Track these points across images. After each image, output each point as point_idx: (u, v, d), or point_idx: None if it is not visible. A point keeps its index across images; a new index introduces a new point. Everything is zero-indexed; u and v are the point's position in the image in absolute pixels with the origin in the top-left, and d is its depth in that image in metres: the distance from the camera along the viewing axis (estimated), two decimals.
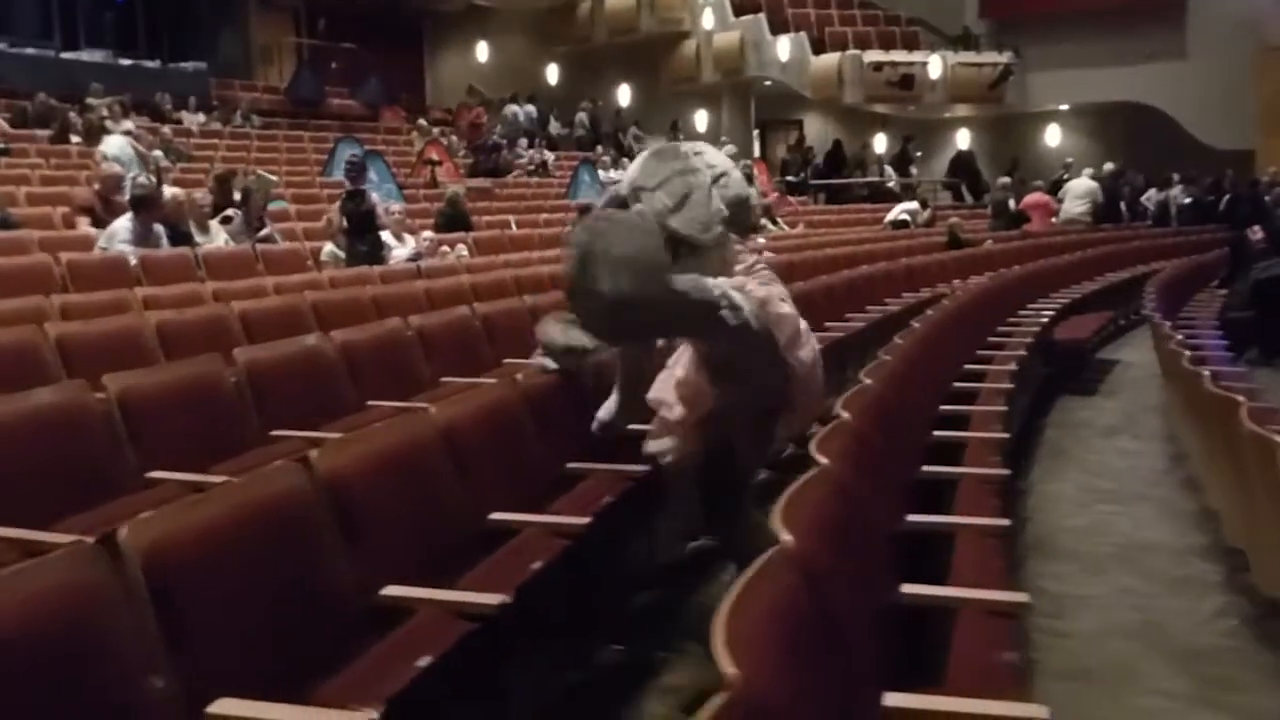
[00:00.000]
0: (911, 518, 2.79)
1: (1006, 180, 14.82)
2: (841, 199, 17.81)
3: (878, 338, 7.12)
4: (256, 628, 1.88)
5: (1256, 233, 9.81)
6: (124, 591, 1.67)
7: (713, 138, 19.19)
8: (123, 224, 7.03)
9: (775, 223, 13.60)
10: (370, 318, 5.72)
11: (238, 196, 9.12)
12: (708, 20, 19.28)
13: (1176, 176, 16.22)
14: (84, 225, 8.05)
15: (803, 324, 3.11)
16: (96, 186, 8.23)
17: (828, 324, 6.51)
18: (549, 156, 16.90)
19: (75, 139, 12.46)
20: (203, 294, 5.93)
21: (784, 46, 18.50)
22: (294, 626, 1.96)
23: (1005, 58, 18.12)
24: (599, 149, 17.24)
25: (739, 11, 19.22)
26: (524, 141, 17.61)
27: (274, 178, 10.72)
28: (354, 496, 2.23)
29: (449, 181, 13.41)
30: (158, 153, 11.90)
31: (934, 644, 2.26)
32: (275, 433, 3.46)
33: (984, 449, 3.55)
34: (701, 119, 20.27)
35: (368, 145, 14.29)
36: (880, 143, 20.33)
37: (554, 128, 18.98)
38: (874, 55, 18.28)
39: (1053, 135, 19.72)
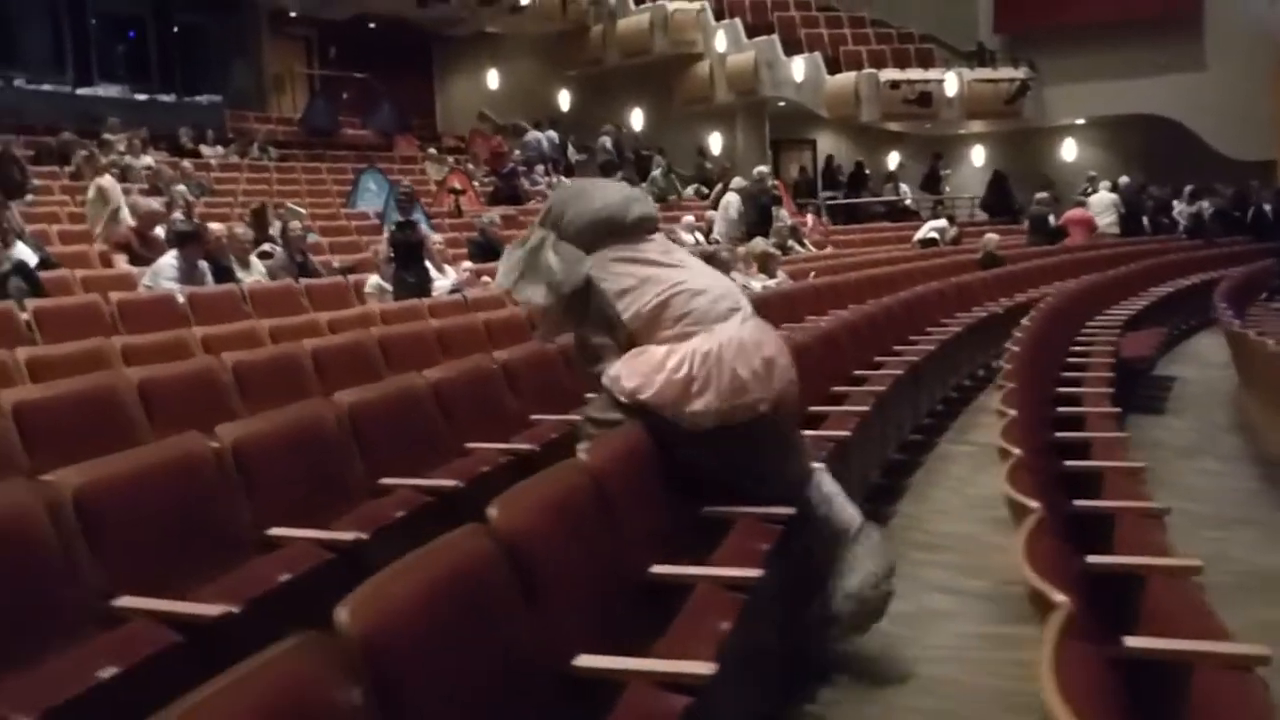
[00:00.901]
0: (1092, 559, 2.61)
1: (1044, 195, 14.71)
2: (859, 217, 17.70)
3: (951, 358, 7.00)
4: (466, 714, 1.71)
5: None
6: (346, 680, 1.50)
7: (727, 157, 19.14)
8: (167, 261, 6.89)
9: (802, 244, 13.46)
10: (436, 353, 5.57)
11: (274, 230, 8.99)
12: (720, 42, 19.21)
13: (1189, 188, 16.10)
14: (122, 263, 7.90)
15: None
16: (133, 223, 8.08)
17: (896, 347, 6.37)
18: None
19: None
20: (259, 331, 5.77)
21: (799, 66, 18.41)
22: (499, 708, 1.78)
23: (1022, 73, 18.03)
24: (619, 174, 17.04)
25: (752, 33, 19.15)
26: (540, 168, 17.48)
27: (302, 210, 10.57)
28: (533, 556, 2.06)
29: (475, 210, 13.29)
30: (180, 187, 11.78)
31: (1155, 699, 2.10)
32: (384, 481, 3.28)
33: (1126, 480, 3.37)
34: (715, 140, 20.18)
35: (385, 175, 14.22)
36: (893, 160, 20.25)
37: (570, 153, 18.85)
38: (890, 73, 18.19)
39: (1069, 149, 19.61)
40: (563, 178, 17.02)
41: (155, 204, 8.32)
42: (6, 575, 2.12)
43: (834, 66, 18.60)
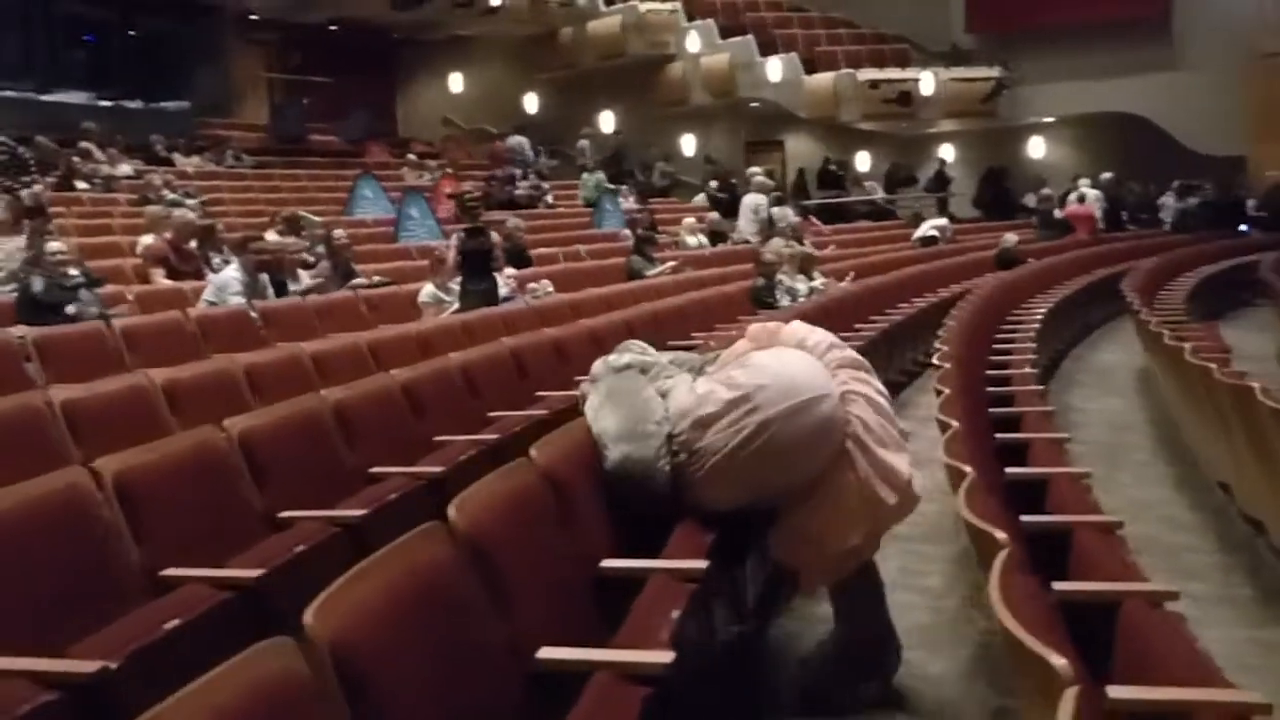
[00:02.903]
0: None
1: (1048, 192, 14.84)
2: (842, 218, 17.68)
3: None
4: None
5: None
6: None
7: (706, 160, 19.02)
8: (232, 275, 6.54)
9: (802, 244, 13.37)
10: (558, 361, 5.36)
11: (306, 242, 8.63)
12: (693, 43, 19.06)
13: (1176, 184, 16.39)
14: (159, 277, 7.47)
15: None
16: (169, 235, 7.66)
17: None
18: (545, 187, 16.49)
19: (81, 185, 11.78)
20: (360, 348, 5.44)
21: (775, 67, 18.35)
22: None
23: (996, 71, 18.21)
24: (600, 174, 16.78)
25: (725, 33, 19.04)
26: (517, 173, 17.16)
27: (318, 219, 10.17)
28: None
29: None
30: (171, 195, 11.32)
31: None
32: None
33: None
34: (689, 142, 20.04)
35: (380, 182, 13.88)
36: (863, 160, 20.30)
37: (542, 159, 18.55)
38: (869, 73, 18.24)
39: (1036, 147, 19.84)
40: (543, 183, 16.73)
41: (192, 215, 7.89)
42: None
43: (811, 67, 18.58)
